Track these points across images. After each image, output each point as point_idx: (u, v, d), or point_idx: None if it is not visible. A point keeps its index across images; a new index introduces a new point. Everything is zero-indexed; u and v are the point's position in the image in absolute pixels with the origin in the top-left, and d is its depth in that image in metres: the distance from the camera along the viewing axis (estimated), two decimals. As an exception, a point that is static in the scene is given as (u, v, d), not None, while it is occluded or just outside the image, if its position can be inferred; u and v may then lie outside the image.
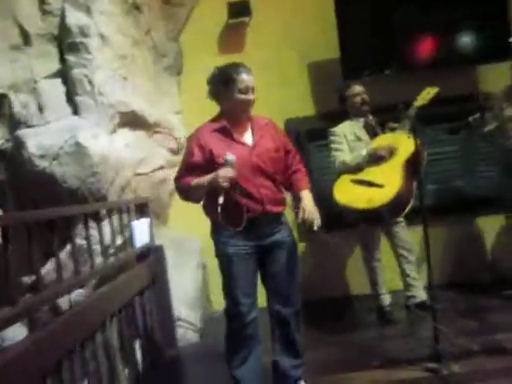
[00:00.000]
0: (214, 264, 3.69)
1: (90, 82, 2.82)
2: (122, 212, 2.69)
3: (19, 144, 2.66)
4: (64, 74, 2.89)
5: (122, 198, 2.89)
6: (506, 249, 3.61)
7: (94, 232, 2.35)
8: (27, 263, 1.66)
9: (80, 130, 2.68)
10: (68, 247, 2.38)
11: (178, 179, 2.12)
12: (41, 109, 2.80)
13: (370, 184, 2.85)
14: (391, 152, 2.92)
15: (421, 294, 3.16)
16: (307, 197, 2.14)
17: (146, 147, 3.26)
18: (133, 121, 3.11)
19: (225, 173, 1.94)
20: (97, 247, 2.41)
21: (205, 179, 2.01)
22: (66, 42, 2.87)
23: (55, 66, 2.91)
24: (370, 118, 3.22)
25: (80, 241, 2.40)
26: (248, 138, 2.10)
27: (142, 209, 2.98)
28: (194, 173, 2.04)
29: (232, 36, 3.72)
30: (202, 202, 2.18)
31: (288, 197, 2.29)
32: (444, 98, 2.99)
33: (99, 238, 2.34)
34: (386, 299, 3.20)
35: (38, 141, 2.65)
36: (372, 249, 3.20)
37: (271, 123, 2.19)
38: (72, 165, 2.64)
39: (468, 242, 3.84)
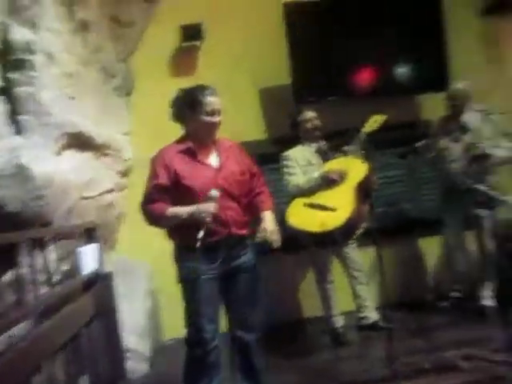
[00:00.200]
0: (164, 289, 3.62)
1: (36, 101, 2.67)
2: (69, 238, 2.54)
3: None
4: (6, 92, 2.73)
5: (68, 223, 2.74)
6: (444, 268, 3.80)
7: (37, 259, 2.20)
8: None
9: (23, 151, 2.52)
10: (7, 276, 2.21)
11: (146, 204, 2.05)
12: (-21, 128, 2.61)
13: (323, 208, 2.91)
14: (343, 176, 3.00)
15: (373, 315, 3.23)
16: (269, 217, 2.16)
17: (94, 169, 3.13)
18: (80, 142, 2.98)
19: (208, 208, 1.93)
20: (40, 276, 2.25)
21: (184, 210, 1.97)
22: (9, 59, 2.71)
23: (-3, 83, 2.74)
24: (322, 143, 3.31)
25: (22, 269, 2.23)
26: (213, 160, 2.09)
27: (89, 234, 2.84)
28: (163, 197, 1.98)
29: (184, 59, 3.71)
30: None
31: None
32: (389, 124, 3.15)
33: (44, 266, 2.18)
34: (339, 321, 3.24)
35: (-24, 162, 2.46)
36: (324, 271, 3.25)
37: (236, 146, 2.20)
38: (14, 187, 2.46)
39: (413, 262, 4.01)
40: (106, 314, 2.79)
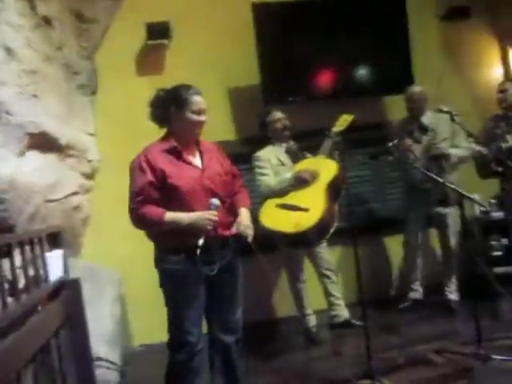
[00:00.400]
0: (131, 295, 3.51)
1: (-5, 99, 2.52)
2: (33, 244, 2.40)
3: None
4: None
5: (32, 228, 2.60)
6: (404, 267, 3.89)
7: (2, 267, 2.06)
8: None
9: (-18, 152, 2.37)
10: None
11: (137, 209, 1.96)
12: None
13: (295, 208, 2.91)
14: (314, 176, 3.02)
15: (344, 313, 3.27)
16: (244, 213, 2.16)
17: (58, 171, 2.99)
18: (43, 142, 2.83)
19: (210, 216, 1.93)
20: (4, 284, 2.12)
21: (184, 217, 1.94)
22: (-36, 53, 2.54)
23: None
24: (292, 143, 3.32)
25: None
26: (197, 160, 2.07)
27: (54, 239, 2.70)
28: (155, 197, 1.91)
29: (151, 57, 3.62)
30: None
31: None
32: (356, 125, 3.20)
33: (10, 274, 2.05)
34: (312, 320, 3.25)
35: None
36: (297, 271, 3.26)
37: (216, 147, 2.19)
38: (-27, 191, 2.31)
39: (379, 260, 4.09)
40: (74, 322, 2.66)
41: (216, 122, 3.76)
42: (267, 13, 3.62)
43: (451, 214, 3.49)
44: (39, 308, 2.37)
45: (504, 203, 3.70)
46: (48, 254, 2.58)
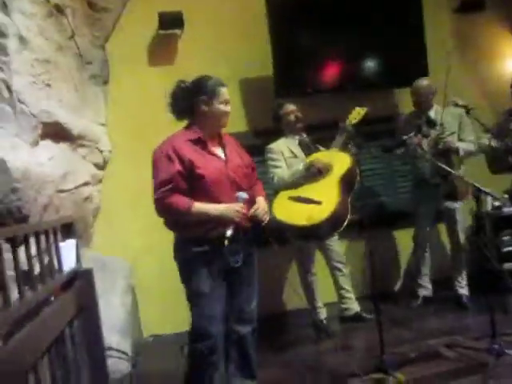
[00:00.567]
0: (141, 286, 3.52)
1: (8, 88, 2.50)
2: (48, 234, 2.40)
3: None
4: (-25, 78, 2.53)
5: (45, 218, 2.59)
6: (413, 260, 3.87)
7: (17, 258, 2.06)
8: None
9: (-4, 141, 2.36)
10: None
11: (164, 198, 1.94)
12: None
13: (308, 201, 2.89)
14: (327, 168, 3.00)
15: (355, 306, 3.26)
16: (261, 201, 2.18)
17: (70, 161, 2.98)
18: (56, 132, 2.82)
19: (240, 208, 1.96)
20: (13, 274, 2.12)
21: (213, 209, 1.95)
22: (-23, 42, 2.52)
23: (-37, 68, 2.54)
24: (304, 135, 3.29)
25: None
26: (220, 152, 2.06)
27: (67, 229, 2.69)
28: (183, 186, 1.90)
29: (163, 47, 3.59)
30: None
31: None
32: (367, 118, 3.18)
33: (26, 265, 2.05)
34: (323, 313, 3.25)
35: None
36: (308, 263, 3.25)
37: (235, 140, 2.18)
38: (-13, 180, 2.30)
39: (390, 254, 4.08)
40: (87, 312, 2.66)
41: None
42: (280, 4, 3.58)
43: (460, 209, 3.48)
44: (52, 298, 2.38)
45: (516, 198, 3.69)
46: (61, 245, 2.58)
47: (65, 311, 2.37)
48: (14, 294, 1.92)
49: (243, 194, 2.02)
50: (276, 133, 3.34)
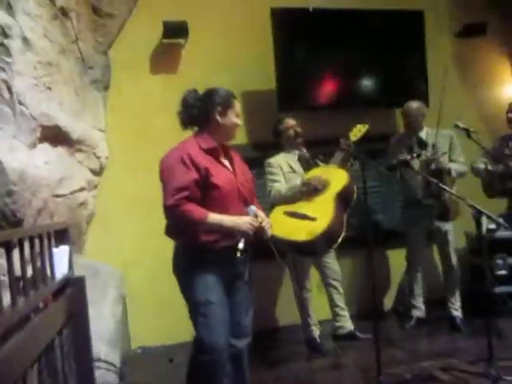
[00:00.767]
0: (133, 295, 3.45)
1: (9, 89, 2.46)
2: (42, 239, 2.34)
3: None
4: (-25, 77, 2.49)
5: (39, 223, 2.54)
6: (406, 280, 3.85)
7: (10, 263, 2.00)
8: None
9: (-6, 142, 2.31)
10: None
11: (179, 206, 1.88)
12: None
13: (303, 217, 2.89)
14: (324, 184, 2.99)
15: (349, 325, 3.23)
16: (263, 214, 2.15)
17: (67, 166, 2.93)
18: (54, 135, 2.78)
19: (253, 221, 1.96)
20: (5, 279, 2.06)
21: (228, 220, 1.93)
22: (-20, 41, 2.48)
23: (-36, 67, 2.50)
24: (304, 150, 3.29)
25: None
26: (227, 164, 2.04)
27: (61, 235, 2.64)
28: (197, 195, 1.87)
29: (166, 55, 3.58)
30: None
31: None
32: (369, 135, 3.19)
33: (20, 271, 1.99)
34: (316, 330, 3.21)
35: None
36: (302, 279, 3.22)
37: (239, 154, 2.18)
38: (-17, 181, 2.25)
39: (383, 273, 4.06)
40: (77, 321, 2.59)
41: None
42: (285, 18, 3.61)
43: (451, 230, 3.48)
44: (41, 305, 2.32)
45: (511, 222, 3.70)
46: (55, 250, 2.52)
47: (55, 319, 2.30)
48: (7, 300, 1.86)
49: (253, 208, 2.01)
50: (275, 147, 3.34)
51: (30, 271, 2.37)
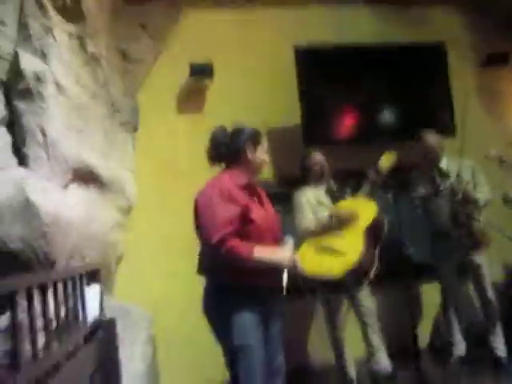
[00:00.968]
0: (161, 337, 3.38)
1: (43, 133, 2.53)
2: (75, 282, 2.33)
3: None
4: (11, 123, 2.57)
5: (70, 263, 2.54)
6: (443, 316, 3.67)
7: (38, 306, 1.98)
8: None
9: (28, 184, 2.35)
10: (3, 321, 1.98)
11: (227, 241, 1.82)
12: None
13: (333, 251, 2.81)
14: (353, 217, 2.93)
15: (386, 365, 3.07)
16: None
17: (97, 206, 2.96)
18: (85, 176, 2.83)
19: (292, 254, 1.95)
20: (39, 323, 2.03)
21: (274, 256, 1.91)
22: (16, 88, 2.58)
23: (0, 113, 2.59)
24: (332, 183, 3.26)
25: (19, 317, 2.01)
26: (257, 200, 2.02)
27: (92, 276, 2.62)
28: (238, 233, 1.85)
29: (192, 96, 3.65)
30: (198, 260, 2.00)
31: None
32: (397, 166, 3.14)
33: (54, 313, 1.97)
34: (352, 372, 3.06)
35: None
36: (336, 318, 3.10)
37: (264, 191, 2.15)
38: (18, 224, 2.27)
39: (415, 308, 3.89)
40: (108, 365, 2.54)
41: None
42: (308, 56, 3.67)
43: (484, 262, 3.34)
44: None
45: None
46: (87, 290, 2.50)
47: (87, 364, 2.26)
48: (41, 343, 1.82)
49: (291, 238, 1.98)
50: (301, 181, 3.32)
51: (62, 312, 2.35)
